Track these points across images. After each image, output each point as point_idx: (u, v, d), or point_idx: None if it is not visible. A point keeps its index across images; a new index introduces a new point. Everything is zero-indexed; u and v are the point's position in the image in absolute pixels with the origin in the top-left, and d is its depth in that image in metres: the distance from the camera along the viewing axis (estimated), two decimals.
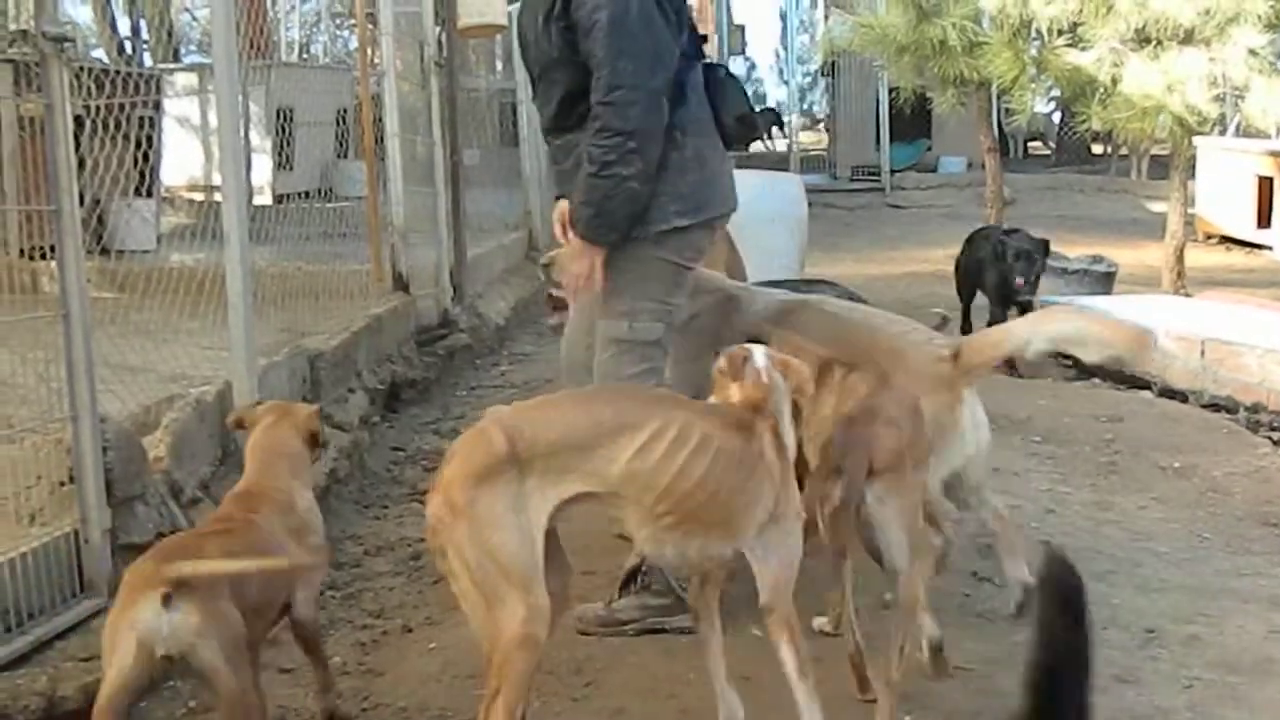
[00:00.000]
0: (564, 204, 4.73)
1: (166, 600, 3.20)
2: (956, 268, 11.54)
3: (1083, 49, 11.49)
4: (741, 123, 4.83)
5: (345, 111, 16.77)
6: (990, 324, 9.35)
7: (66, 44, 4.30)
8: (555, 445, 3.36)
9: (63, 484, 4.43)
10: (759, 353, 3.80)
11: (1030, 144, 32.00)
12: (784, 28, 31.00)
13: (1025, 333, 4.96)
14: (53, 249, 4.36)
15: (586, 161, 4.36)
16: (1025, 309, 9.75)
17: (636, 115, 4.30)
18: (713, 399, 3.80)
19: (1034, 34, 11.98)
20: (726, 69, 4.93)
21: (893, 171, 24.54)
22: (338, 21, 27.92)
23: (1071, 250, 13.01)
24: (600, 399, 3.87)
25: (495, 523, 3.26)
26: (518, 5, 4.78)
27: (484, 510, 3.25)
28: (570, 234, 4.56)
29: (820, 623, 4.57)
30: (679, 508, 3.46)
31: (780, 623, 3.65)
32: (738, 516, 3.56)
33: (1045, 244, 10.65)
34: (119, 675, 3.21)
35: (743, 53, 38.65)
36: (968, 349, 4.86)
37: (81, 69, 7.99)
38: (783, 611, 3.63)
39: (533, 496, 3.30)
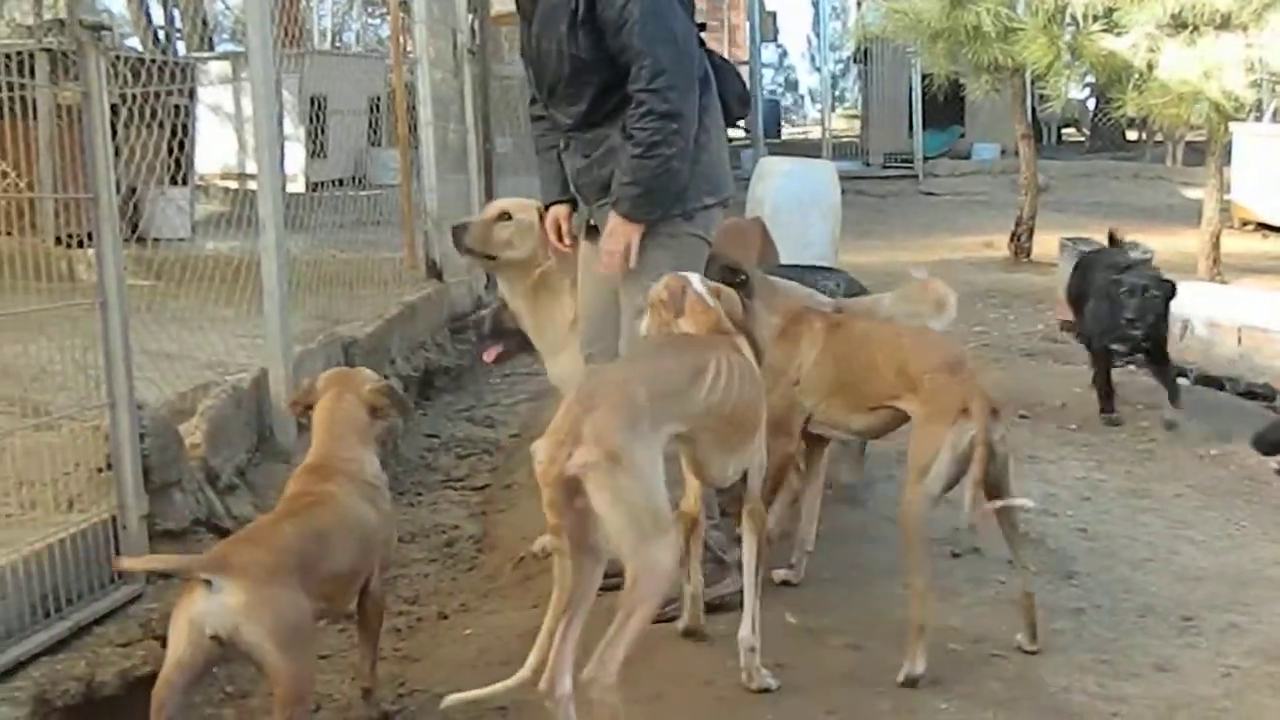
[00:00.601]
0: (559, 209, 4.97)
1: (208, 584, 3.29)
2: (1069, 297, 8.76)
3: (1118, 34, 11.40)
4: (740, 103, 5.06)
5: (378, 99, 16.80)
6: (1094, 381, 7.76)
7: (103, 32, 4.31)
8: (662, 395, 3.69)
9: (100, 470, 4.44)
10: (695, 280, 4.23)
11: (1064, 130, 31.81)
12: (816, 14, 30.94)
13: (889, 308, 5.40)
14: (89, 237, 4.38)
15: (631, 145, 4.47)
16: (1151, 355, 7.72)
17: (677, 99, 4.44)
18: (646, 324, 4.25)
19: (1069, 19, 11.89)
20: (722, 58, 5.10)
21: (926, 158, 24.40)
22: (369, 9, 27.97)
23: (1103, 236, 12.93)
24: (669, 351, 4.07)
25: (648, 467, 3.53)
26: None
27: (639, 456, 3.50)
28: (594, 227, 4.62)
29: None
30: (735, 428, 3.96)
31: (755, 516, 4.20)
32: (759, 425, 4.11)
33: (1171, 285, 7.62)
34: (174, 655, 3.33)
35: (774, 40, 38.57)
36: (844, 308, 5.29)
37: (117, 57, 8.01)
38: (759, 508, 4.22)
39: (654, 443, 3.60)
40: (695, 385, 3.81)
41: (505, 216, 5.39)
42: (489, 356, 5.99)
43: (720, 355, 3.94)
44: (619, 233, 4.56)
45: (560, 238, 4.99)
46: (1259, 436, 5.74)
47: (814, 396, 4.75)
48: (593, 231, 4.84)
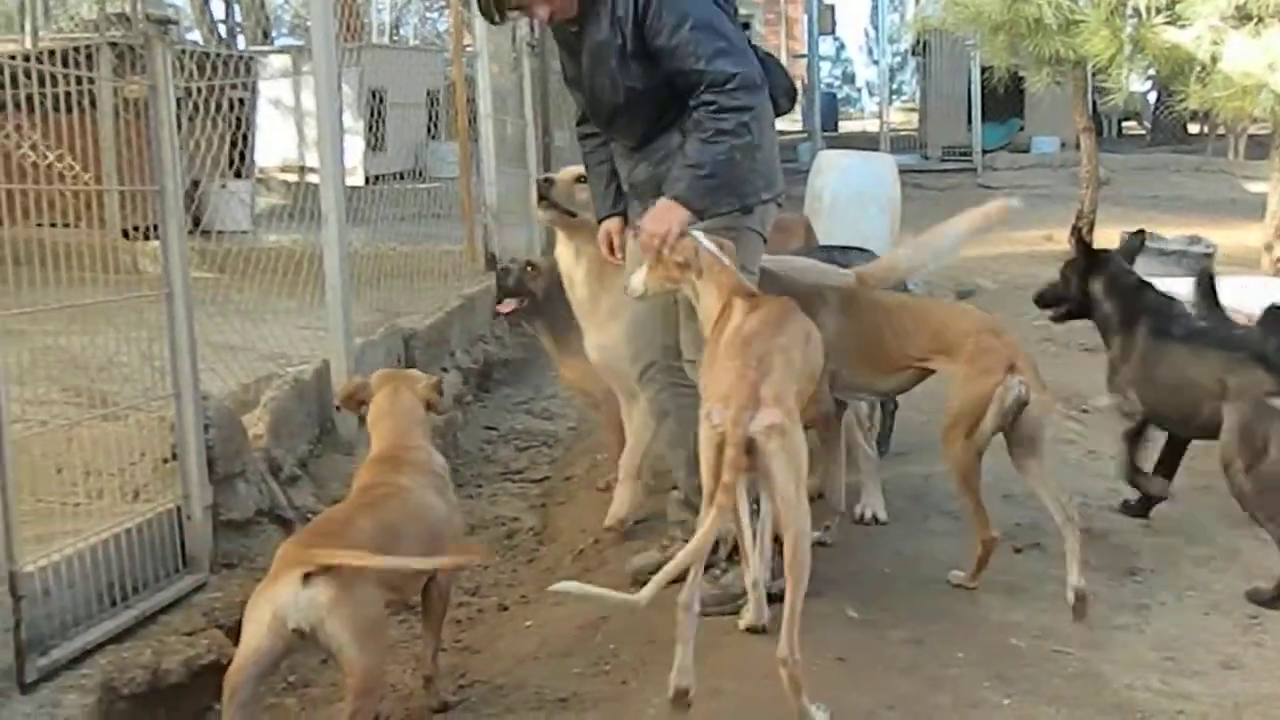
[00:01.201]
0: (612, 223, 4.91)
1: (307, 578, 3.33)
2: None
3: (1181, 27, 11.27)
4: (788, 98, 5.05)
5: (436, 93, 16.86)
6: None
7: (170, 26, 4.35)
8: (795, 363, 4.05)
9: (165, 461, 4.50)
10: (702, 238, 4.35)
11: (1125, 124, 31.54)
12: (874, 7, 30.63)
13: (909, 259, 5.50)
14: (152, 230, 4.42)
15: (698, 132, 4.42)
16: None
17: (745, 96, 4.42)
18: (641, 279, 4.39)
19: (1131, 12, 11.77)
20: (766, 52, 5.12)
21: (984, 151, 24.23)
22: (427, 4, 28.07)
23: (1168, 231, 12.80)
24: (766, 334, 4.09)
25: (801, 431, 3.86)
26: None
27: (798, 420, 3.87)
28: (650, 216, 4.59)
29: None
30: (809, 392, 4.23)
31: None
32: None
33: None
34: (252, 643, 3.35)
35: (832, 33, 38.44)
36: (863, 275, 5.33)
37: (182, 52, 8.08)
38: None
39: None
40: (812, 351, 4.19)
41: (585, 179, 5.35)
42: (505, 309, 6.06)
43: (806, 321, 4.27)
44: (666, 215, 4.42)
45: (611, 251, 4.94)
46: None
47: (838, 363, 4.85)
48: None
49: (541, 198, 5.52)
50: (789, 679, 3.67)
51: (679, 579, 3.71)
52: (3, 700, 3.43)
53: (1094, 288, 5.85)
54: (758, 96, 4.48)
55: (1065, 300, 6.01)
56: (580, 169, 5.34)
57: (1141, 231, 6.68)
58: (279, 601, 3.33)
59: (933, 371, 4.91)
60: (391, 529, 3.69)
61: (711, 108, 4.39)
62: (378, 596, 3.48)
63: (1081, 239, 6.10)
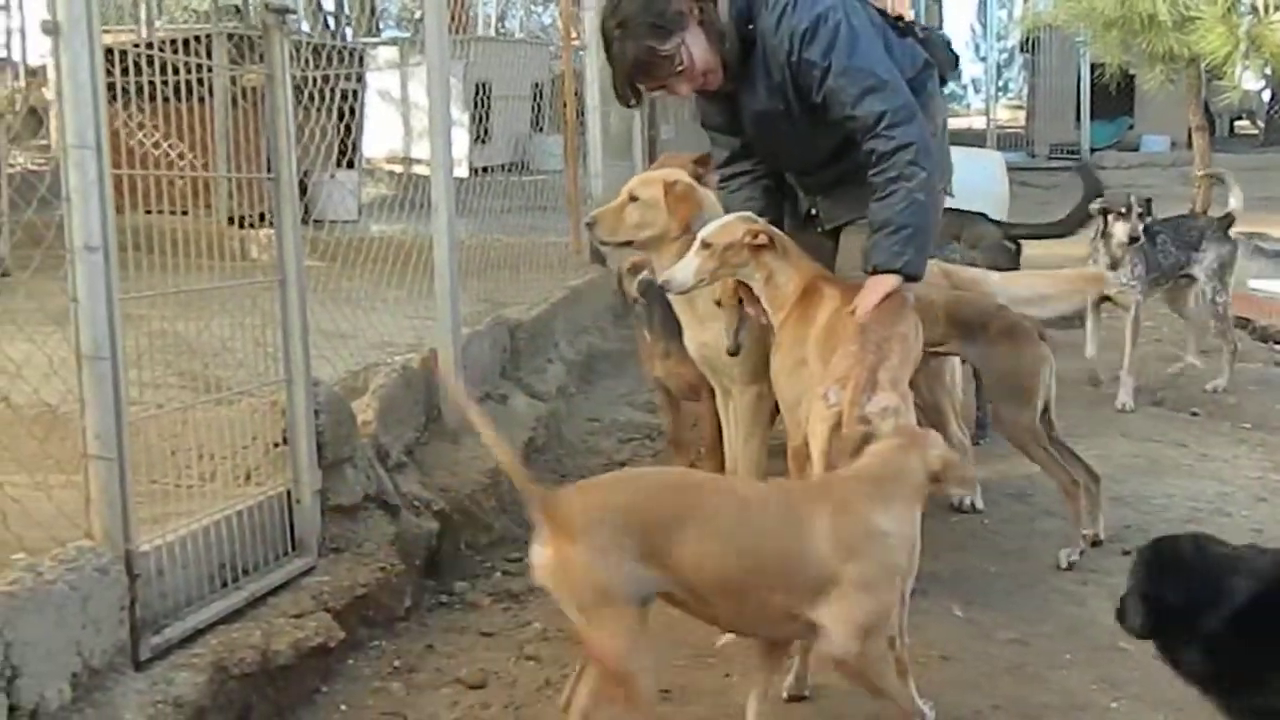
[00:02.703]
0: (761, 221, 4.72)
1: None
2: None
3: None
4: (951, 68, 5.24)
5: (540, 86, 16.92)
6: None
7: (289, 15, 4.41)
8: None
9: (276, 445, 4.55)
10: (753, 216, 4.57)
11: (1237, 123, 30.97)
12: (981, 2, 30.42)
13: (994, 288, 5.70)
14: (260, 218, 4.48)
15: (873, 196, 4.41)
16: None
17: (900, 133, 4.37)
18: (697, 267, 4.45)
19: (1248, 8, 11.57)
20: (924, 26, 5.06)
21: (1093, 150, 23.94)
22: None
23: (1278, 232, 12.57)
24: (885, 320, 4.21)
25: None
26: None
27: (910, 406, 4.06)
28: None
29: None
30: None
31: None
32: None
33: None
34: None
35: (939, 28, 38.10)
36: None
37: (296, 43, 8.18)
38: None
39: None
40: (918, 341, 4.33)
41: (632, 199, 5.34)
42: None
43: (914, 313, 4.38)
44: (879, 287, 4.31)
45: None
46: None
47: None
48: (809, 221, 4.80)
49: (593, 238, 5.53)
50: (895, 664, 3.61)
51: None
52: (117, 677, 3.48)
53: None
54: (912, 129, 4.38)
55: None
56: (628, 188, 5.30)
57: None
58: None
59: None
60: None
61: (874, 155, 4.37)
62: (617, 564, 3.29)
63: None
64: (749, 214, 4.56)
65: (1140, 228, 7.57)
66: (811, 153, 4.66)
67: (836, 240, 4.96)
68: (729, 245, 4.41)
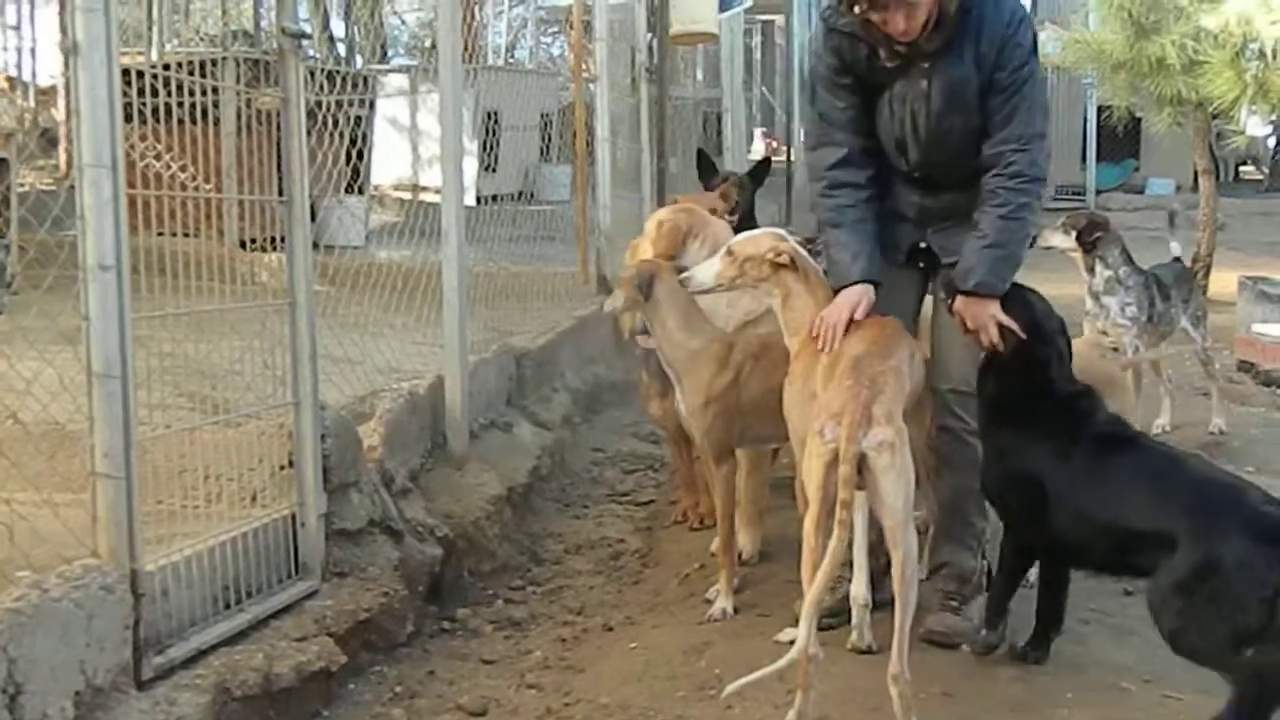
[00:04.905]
0: (862, 290, 4.44)
1: None
2: None
3: None
4: None
5: (548, 116, 16.96)
6: None
7: (304, 40, 4.43)
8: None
9: (282, 468, 4.55)
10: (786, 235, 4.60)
11: (1242, 168, 31.02)
12: None
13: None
14: (270, 241, 4.49)
15: (995, 206, 4.41)
16: None
17: (1045, 162, 4.49)
18: (715, 274, 4.53)
19: (1255, 54, 11.60)
20: None
21: (1098, 191, 23.99)
22: (542, 28, 28.27)
23: None
24: (878, 354, 4.19)
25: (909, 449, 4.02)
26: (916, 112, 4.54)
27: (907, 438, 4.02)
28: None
29: None
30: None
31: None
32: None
33: None
34: None
35: None
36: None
37: (309, 69, 8.22)
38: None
39: None
40: (916, 370, 4.36)
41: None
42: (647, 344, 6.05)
43: (912, 341, 4.46)
44: (981, 314, 4.33)
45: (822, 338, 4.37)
46: None
47: None
48: (920, 255, 4.76)
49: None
50: (899, 698, 3.69)
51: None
52: (120, 696, 3.49)
53: None
54: (1046, 165, 4.54)
55: None
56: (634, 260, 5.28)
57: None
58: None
59: None
60: None
61: (1014, 170, 4.39)
62: None
63: None
64: (781, 231, 4.61)
65: (1075, 241, 7.50)
66: (967, 154, 4.53)
67: (928, 277, 4.82)
68: (750, 257, 4.44)
